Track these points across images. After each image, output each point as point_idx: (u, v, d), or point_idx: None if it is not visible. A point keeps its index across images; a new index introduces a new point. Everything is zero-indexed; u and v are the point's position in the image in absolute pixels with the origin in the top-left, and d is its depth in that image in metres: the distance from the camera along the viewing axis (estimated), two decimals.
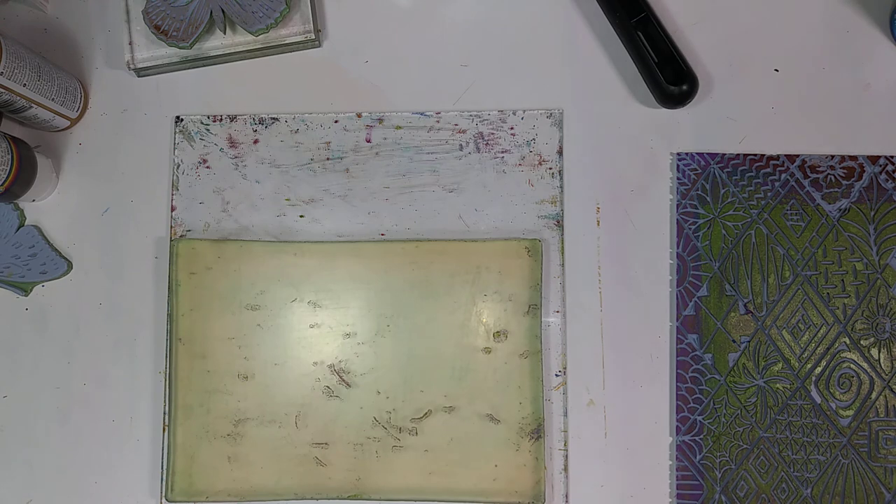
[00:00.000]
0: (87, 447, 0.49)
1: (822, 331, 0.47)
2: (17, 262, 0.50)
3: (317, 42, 0.51)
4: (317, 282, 0.48)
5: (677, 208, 0.48)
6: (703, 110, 0.49)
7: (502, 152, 0.49)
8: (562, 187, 0.49)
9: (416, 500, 0.47)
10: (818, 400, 0.47)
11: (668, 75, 0.47)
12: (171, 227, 0.50)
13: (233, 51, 0.50)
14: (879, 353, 0.47)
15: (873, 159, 0.48)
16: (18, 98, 0.46)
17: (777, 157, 0.48)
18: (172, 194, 0.50)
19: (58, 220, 0.50)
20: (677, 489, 0.47)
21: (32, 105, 0.47)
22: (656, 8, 0.49)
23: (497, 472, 0.47)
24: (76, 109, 0.50)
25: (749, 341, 0.47)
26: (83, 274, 0.50)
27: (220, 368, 0.48)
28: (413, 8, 0.51)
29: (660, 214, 0.49)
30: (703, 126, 0.49)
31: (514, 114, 0.49)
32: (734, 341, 0.47)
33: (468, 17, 0.51)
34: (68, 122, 0.51)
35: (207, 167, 0.50)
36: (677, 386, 0.47)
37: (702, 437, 0.47)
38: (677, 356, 0.48)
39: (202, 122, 0.50)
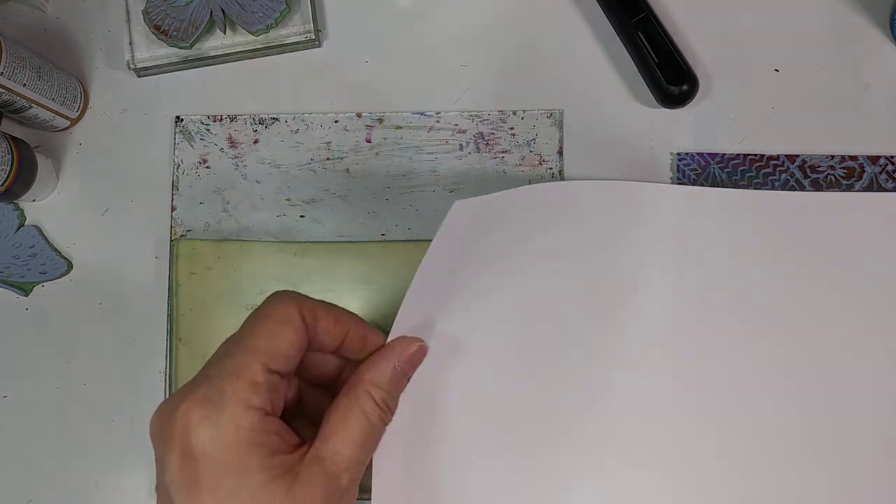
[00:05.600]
0: (87, 447, 0.49)
1: None
2: (17, 262, 0.50)
3: (317, 42, 0.51)
4: (317, 282, 0.48)
5: None
6: (703, 110, 0.49)
7: (502, 152, 0.49)
8: None
9: None
10: None
11: (668, 75, 0.47)
12: (172, 227, 0.50)
13: (233, 51, 0.50)
14: None
15: (873, 159, 0.48)
16: (18, 98, 0.46)
17: (777, 157, 0.48)
18: (172, 194, 0.50)
19: (58, 220, 0.50)
20: None
21: (32, 105, 0.47)
22: (656, 8, 0.49)
23: None
24: (76, 109, 0.50)
25: None
26: (83, 274, 0.50)
27: None
28: (413, 8, 0.51)
29: None
30: (703, 126, 0.49)
31: (514, 114, 0.49)
32: None
33: (468, 17, 0.51)
34: (68, 122, 0.51)
35: (207, 167, 0.50)
36: None
37: None
38: None
39: (202, 122, 0.50)
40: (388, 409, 0.36)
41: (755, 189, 0.47)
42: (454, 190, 0.49)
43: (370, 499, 0.47)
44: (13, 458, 0.49)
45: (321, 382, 0.38)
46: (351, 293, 0.48)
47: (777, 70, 0.49)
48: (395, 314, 0.48)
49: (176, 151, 0.50)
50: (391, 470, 0.39)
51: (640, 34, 0.48)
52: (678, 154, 0.49)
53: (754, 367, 0.43)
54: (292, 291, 0.35)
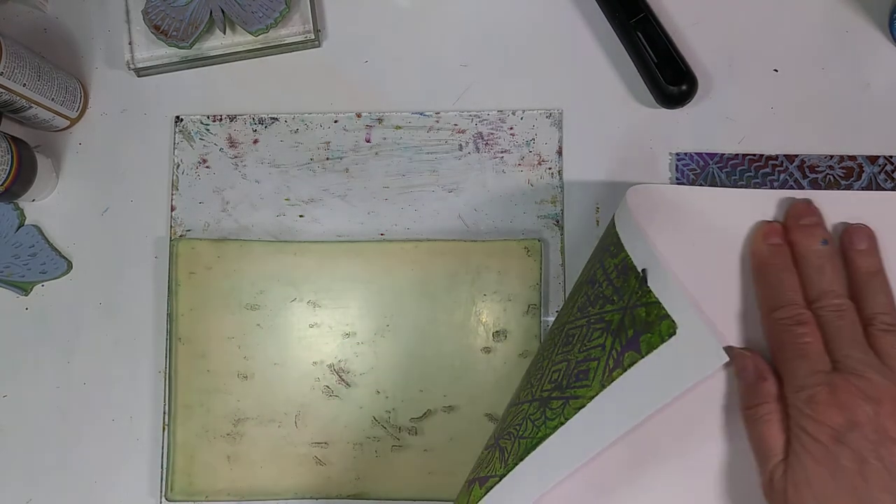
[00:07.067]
0: (86, 447, 0.49)
1: None
2: (16, 261, 0.50)
3: (316, 42, 0.51)
4: (316, 281, 0.49)
5: None
6: (702, 110, 0.49)
7: (502, 152, 0.49)
8: (561, 187, 0.49)
9: (415, 500, 0.47)
10: None
11: (668, 75, 0.47)
12: (171, 226, 0.50)
13: (232, 51, 0.50)
14: None
15: (872, 159, 0.48)
16: (18, 98, 0.46)
17: (776, 157, 0.48)
18: (172, 194, 0.50)
19: (58, 220, 0.51)
20: None
21: (32, 105, 0.47)
22: (656, 8, 0.49)
23: None
24: (76, 109, 0.50)
25: None
26: (83, 274, 0.50)
27: (220, 368, 0.48)
28: (413, 8, 0.51)
29: None
30: (703, 126, 0.49)
31: (513, 114, 0.49)
32: None
33: (468, 17, 0.51)
34: (68, 122, 0.51)
35: (207, 167, 0.50)
36: None
37: None
38: None
39: (202, 122, 0.50)
40: None
41: (793, 191, 0.47)
42: (453, 190, 0.49)
43: (370, 498, 0.47)
44: (13, 457, 0.49)
45: None
46: (350, 293, 0.49)
47: (776, 70, 0.49)
48: (395, 314, 0.48)
49: (176, 151, 0.50)
50: None
51: (639, 34, 0.48)
52: (677, 154, 0.49)
53: None
54: None
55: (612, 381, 0.38)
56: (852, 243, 0.43)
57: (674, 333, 0.37)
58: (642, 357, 0.38)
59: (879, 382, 0.37)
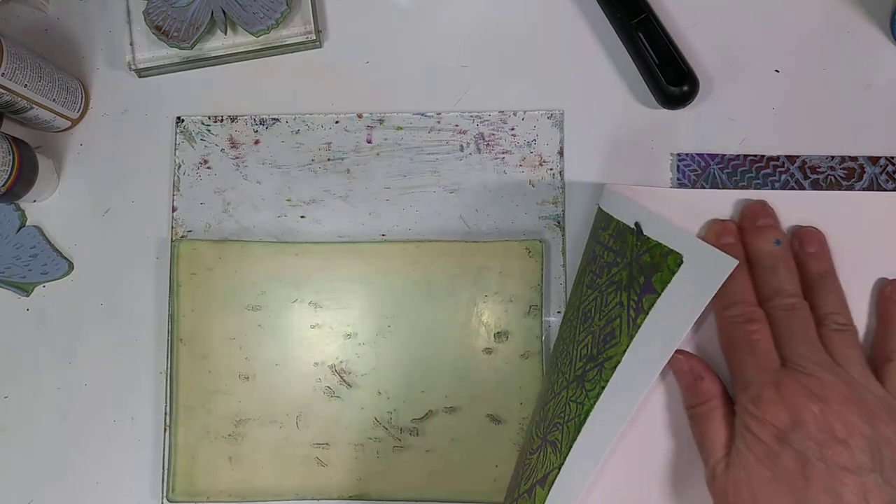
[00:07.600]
0: (88, 447, 0.49)
1: None
2: (18, 262, 0.50)
3: (317, 42, 0.51)
4: (318, 282, 0.49)
5: None
6: (703, 111, 0.49)
7: (503, 153, 0.49)
8: (563, 188, 0.49)
9: (416, 501, 0.47)
10: None
11: (669, 76, 0.47)
12: (172, 227, 0.50)
13: (234, 51, 0.50)
14: None
15: (873, 160, 0.48)
16: (19, 99, 0.46)
17: (777, 158, 0.48)
18: (173, 195, 0.50)
19: (59, 221, 0.51)
20: None
21: (33, 106, 0.47)
22: (657, 8, 0.49)
23: (498, 473, 0.47)
24: (77, 110, 0.50)
25: None
26: (84, 274, 0.50)
27: (221, 369, 0.48)
28: (413, 8, 0.51)
29: None
30: (704, 127, 0.49)
31: (514, 114, 0.49)
32: None
33: (468, 18, 0.51)
34: (69, 123, 0.51)
35: (208, 168, 0.50)
36: None
37: None
38: None
39: (203, 123, 0.50)
40: None
41: (754, 190, 0.47)
42: (454, 190, 0.49)
43: (371, 499, 0.47)
44: (14, 458, 0.49)
45: None
46: (351, 294, 0.49)
47: (777, 70, 0.49)
48: (396, 315, 0.48)
49: (177, 152, 0.50)
50: None
51: (640, 35, 0.48)
52: (678, 155, 0.49)
53: None
54: None
55: (638, 329, 0.39)
56: (803, 246, 0.43)
57: (681, 262, 0.39)
58: (659, 295, 0.39)
59: (828, 381, 0.37)
